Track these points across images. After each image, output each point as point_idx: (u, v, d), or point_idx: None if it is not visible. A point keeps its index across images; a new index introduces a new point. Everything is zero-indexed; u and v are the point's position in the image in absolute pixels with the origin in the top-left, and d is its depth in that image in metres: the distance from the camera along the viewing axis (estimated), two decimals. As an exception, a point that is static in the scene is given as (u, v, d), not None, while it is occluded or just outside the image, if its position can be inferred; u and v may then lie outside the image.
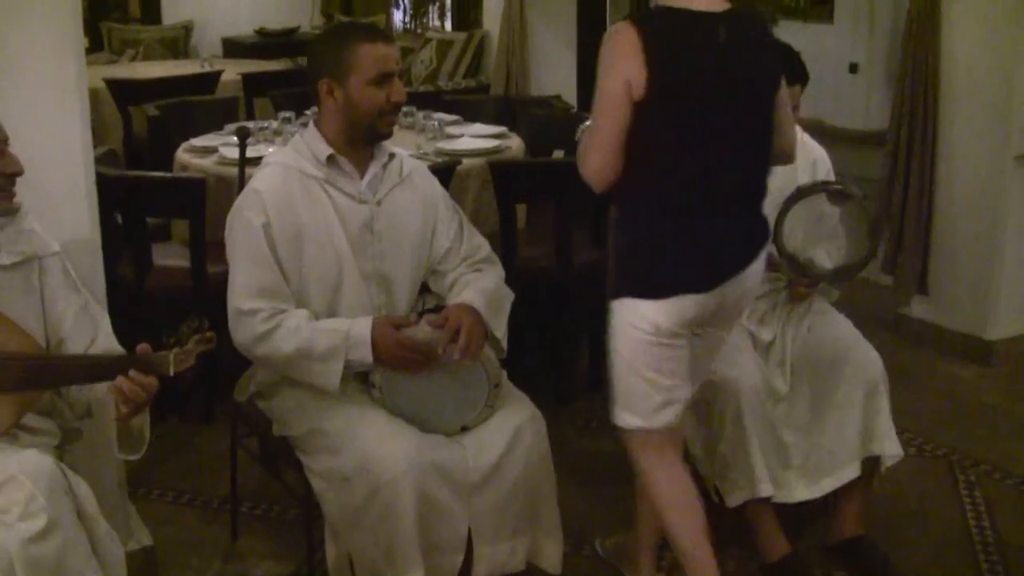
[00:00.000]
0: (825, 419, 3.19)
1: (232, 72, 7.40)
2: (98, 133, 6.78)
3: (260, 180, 2.83)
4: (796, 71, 3.11)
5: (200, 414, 4.14)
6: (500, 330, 2.89)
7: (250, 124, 5.12)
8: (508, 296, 2.99)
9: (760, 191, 2.70)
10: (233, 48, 10.18)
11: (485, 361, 2.82)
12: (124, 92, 6.82)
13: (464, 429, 2.81)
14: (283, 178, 2.82)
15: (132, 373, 2.36)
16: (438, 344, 2.73)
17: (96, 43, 9.97)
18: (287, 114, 5.13)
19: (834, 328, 3.29)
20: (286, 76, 7.35)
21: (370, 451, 2.65)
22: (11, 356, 2.37)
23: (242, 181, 3.73)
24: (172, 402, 4.12)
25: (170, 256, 4.24)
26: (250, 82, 7.06)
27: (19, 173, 2.46)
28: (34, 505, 2.20)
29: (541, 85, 7.60)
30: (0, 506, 2.19)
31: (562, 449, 3.38)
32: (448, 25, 10.15)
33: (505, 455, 2.78)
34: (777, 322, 3.29)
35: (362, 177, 2.88)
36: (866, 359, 3.20)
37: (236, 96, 6.29)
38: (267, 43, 10.00)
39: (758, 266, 2.70)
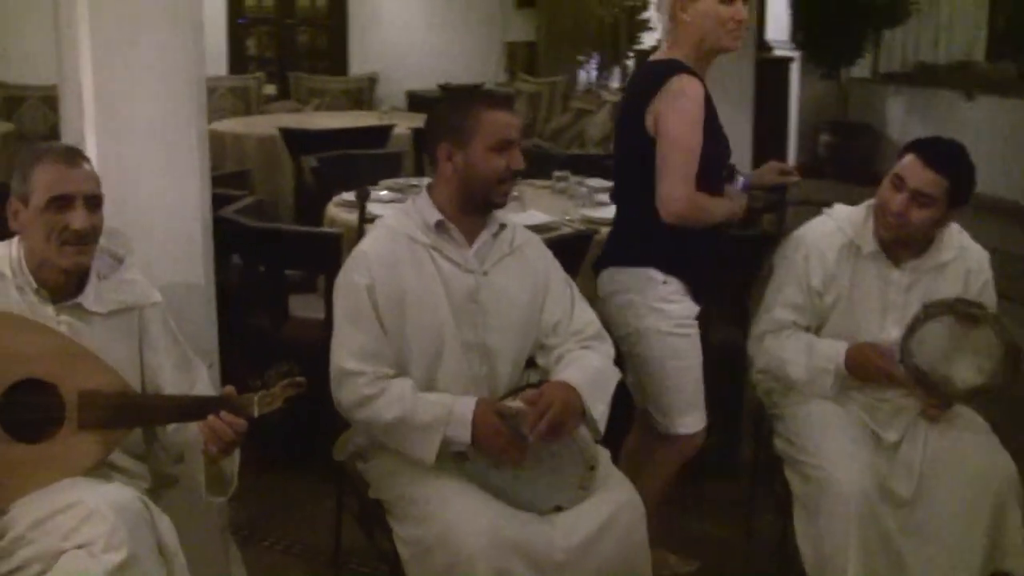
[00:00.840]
0: (946, 529, 2.96)
1: (405, 126, 7.54)
2: (272, 180, 7.07)
3: (368, 242, 2.85)
4: (963, 194, 3.01)
5: (312, 468, 4.16)
6: (598, 410, 2.81)
7: (401, 181, 5.19)
8: (614, 376, 2.91)
9: None
10: (417, 102, 10.43)
11: (579, 442, 2.74)
12: (296, 141, 7.03)
13: (558, 509, 2.74)
14: (391, 241, 2.83)
15: (223, 414, 2.42)
16: (525, 422, 2.68)
17: (283, 91, 10.37)
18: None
19: (962, 426, 3.08)
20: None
21: (452, 524, 2.61)
22: (98, 393, 2.43)
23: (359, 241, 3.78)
24: (283, 452, 4.18)
25: (310, 308, 4.31)
26: (422, 136, 7.16)
27: (87, 232, 2.50)
28: (116, 538, 2.25)
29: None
30: (86, 538, 2.26)
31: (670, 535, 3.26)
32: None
33: (595, 537, 2.70)
34: (903, 423, 3.07)
35: (470, 245, 2.86)
36: (995, 465, 2.98)
37: (400, 151, 6.38)
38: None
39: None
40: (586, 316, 2.99)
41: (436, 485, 2.72)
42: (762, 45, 9.72)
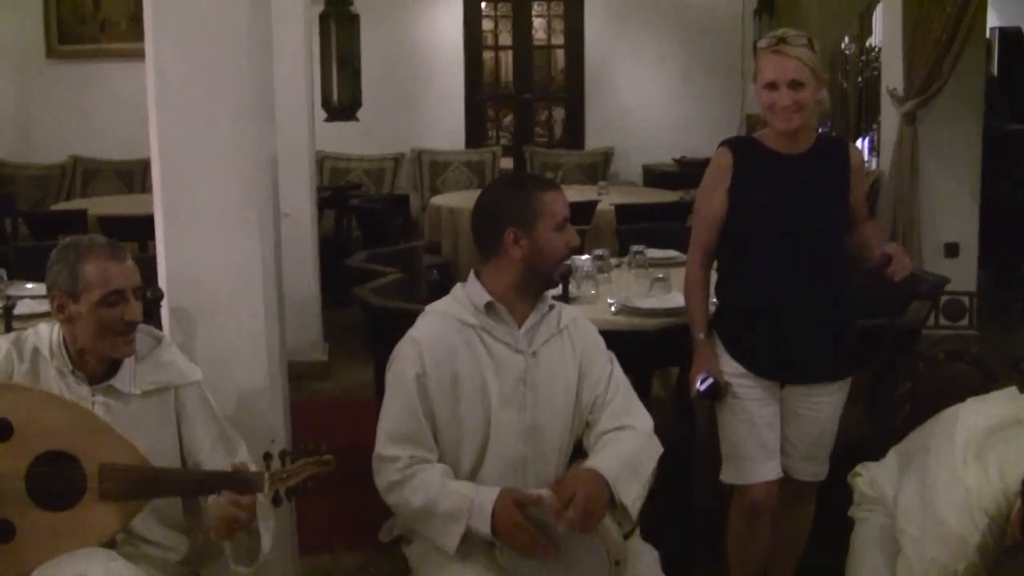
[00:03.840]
0: None
1: (607, 202, 7.53)
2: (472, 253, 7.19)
3: (419, 329, 2.87)
4: None
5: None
6: (630, 497, 2.72)
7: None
8: (650, 454, 2.85)
9: None
10: (653, 176, 10.40)
11: (604, 535, 2.65)
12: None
13: None
14: (442, 327, 2.85)
15: (225, 493, 2.52)
16: (550, 511, 2.61)
17: (519, 166, 10.58)
18: (602, 253, 5.09)
19: None
20: (660, 209, 7.40)
21: (457, 616, 2.58)
22: (117, 465, 2.56)
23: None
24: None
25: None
26: (623, 213, 7.16)
27: (138, 322, 2.66)
28: None
29: (937, 233, 7.18)
30: None
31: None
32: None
33: None
34: None
35: (520, 327, 2.84)
36: None
37: (583, 228, 6.33)
38: (684, 172, 10.08)
39: None
40: (630, 402, 2.93)
41: (458, 574, 2.70)
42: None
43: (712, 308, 3.46)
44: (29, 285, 4.39)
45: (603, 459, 2.76)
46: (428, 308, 2.97)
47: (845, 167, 3.32)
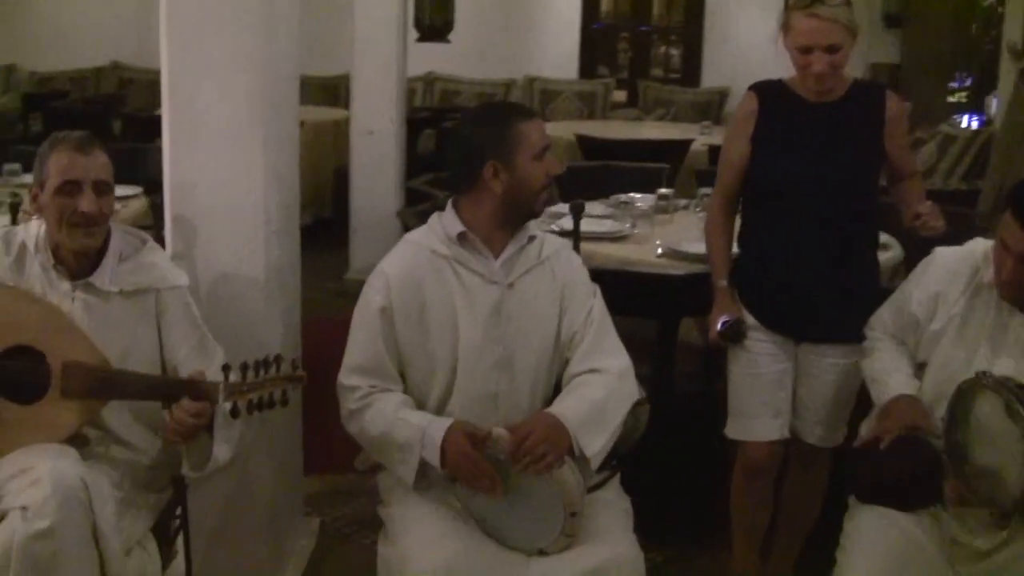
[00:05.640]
0: None
1: (703, 142, 7.35)
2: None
3: (389, 260, 2.81)
4: None
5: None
6: (592, 446, 2.62)
7: (624, 197, 5.06)
8: (619, 405, 2.73)
9: None
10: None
11: (562, 483, 2.56)
12: (592, 148, 7.04)
13: (541, 553, 2.59)
14: (412, 257, 2.79)
15: (183, 400, 2.54)
16: (505, 450, 2.55)
17: (632, 99, 10.39)
18: (667, 192, 4.97)
19: None
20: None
21: (410, 551, 2.55)
22: (80, 364, 2.57)
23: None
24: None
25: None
26: (715, 155, 6.96)
27: (92, 214, 2.64)
28: (46, 507, 2.37)
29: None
30: (26, 501, 2.40)
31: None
32: (970, 121, 9.28)
33: None
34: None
35: (496, 258, 2.77)
36: None
37: (661, 167, 6.17)
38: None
39: None
40: (607, 340, 2.82)
41: (410, 507, 2.68)
42: None
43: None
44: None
45: (567, 405, 2.67)
46: (405, 237, 2.91)
47: (879, 117, 3.12)
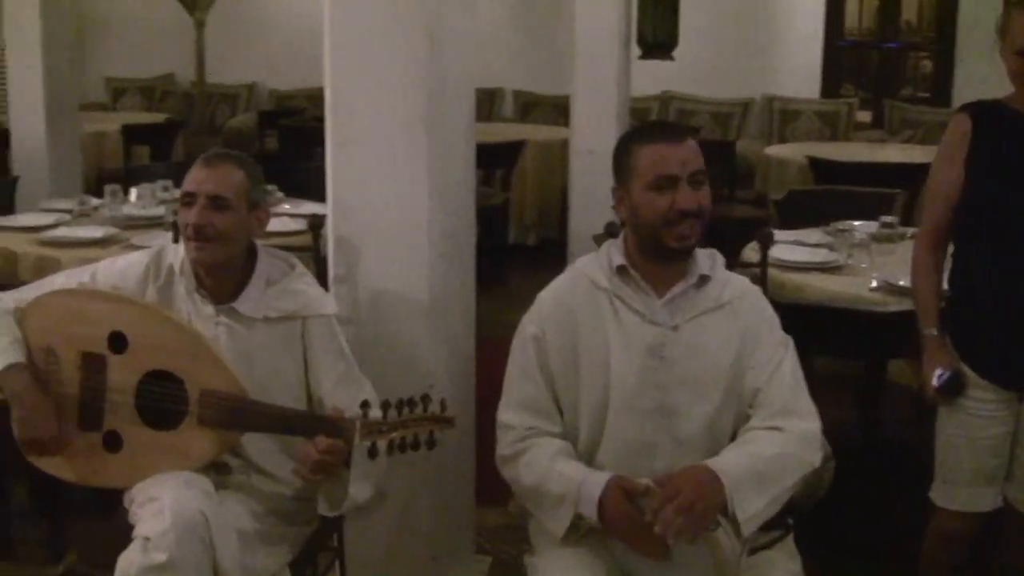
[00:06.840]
0: None
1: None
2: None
3: (550, 286, 2.62)
4: None
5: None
6: (749, 508, 2.31)
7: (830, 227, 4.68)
8: (793, 467, 2.39)
9: None
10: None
11: (713, 546, 2.30)
12: (824, 172, 6.64)
13: None
14: (570, 285, 2.58)
15: (317, 439, 2.42)
16: (649, 509, 2.29)
17: (877, 120, 9.82)
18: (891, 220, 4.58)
19: None
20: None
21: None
22: (217, 393, 2.50)
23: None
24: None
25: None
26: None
27: (202, 227, 2.58)
28: (164, 540, 2.33)
29: None
30: (148, 531, 2.37)
31: None
32: None
33: None
34: None
35: (661, 296, 2.51)
36: None
37: (893, 193, 5.67)
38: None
39: None
40: (798, 400, 2.49)
41: (558, 559, 2.47)
42: None
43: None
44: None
45: (728, 459, 2.37)
46: (574, 263, 2.70)
47: None
